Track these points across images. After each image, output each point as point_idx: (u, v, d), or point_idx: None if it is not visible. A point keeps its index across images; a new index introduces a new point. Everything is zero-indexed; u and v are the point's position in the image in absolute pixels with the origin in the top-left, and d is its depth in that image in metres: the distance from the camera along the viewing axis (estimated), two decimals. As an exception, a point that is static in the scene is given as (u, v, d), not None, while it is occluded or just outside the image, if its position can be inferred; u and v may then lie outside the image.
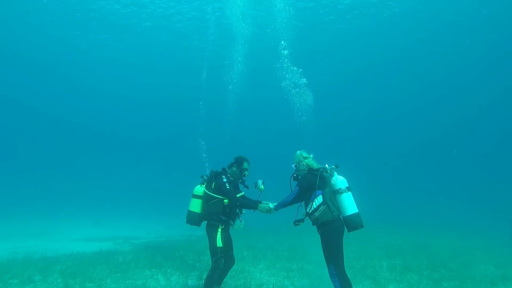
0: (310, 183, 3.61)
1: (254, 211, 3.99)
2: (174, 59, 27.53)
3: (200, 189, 4.21)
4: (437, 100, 31.83)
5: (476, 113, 32.35)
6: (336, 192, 3.63)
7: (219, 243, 3.85)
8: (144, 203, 25.20)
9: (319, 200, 3.54)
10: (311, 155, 3.93)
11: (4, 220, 15.36)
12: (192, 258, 7.00)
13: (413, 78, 28.99)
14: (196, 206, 4.19)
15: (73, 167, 39.86)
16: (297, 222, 3.69)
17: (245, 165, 4.24)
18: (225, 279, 5.01)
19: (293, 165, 3.95)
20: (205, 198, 4.11)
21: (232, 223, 4.15)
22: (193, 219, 4.18)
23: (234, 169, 4.24)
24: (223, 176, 4.05)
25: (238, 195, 4.00)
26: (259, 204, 3.88)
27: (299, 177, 3.83)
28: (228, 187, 3.93)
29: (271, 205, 3.88)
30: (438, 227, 14.16)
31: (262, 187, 4.05)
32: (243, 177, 4.25)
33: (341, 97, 32.77)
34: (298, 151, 3.95)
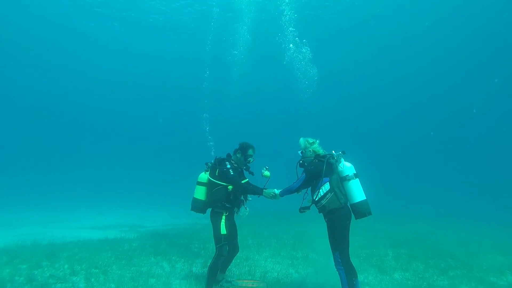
0: (317, 170, 3.54)
1: (258, 197, 3.95)
2: (176, 49, 27.27)
3: (204, 176, 4.18)
4: (445, 90, 31.32)
5: (485, 103, 31.80)
6: (344, 179, 3.55)
7: (223, 230, 3.82)
8: (149, 192, 25.46)
9: (326, 187, 3.47)
10: (317, 141, 3.84)
11: (13, 208, 15.69)
12: (197, 246, 7.04)
13: (416, 72, 28.53)
14: (200, 193, 4.17)
15: (79, 157, 40.33)
16: (302, 210, 3.63)
17: (250, 151, 4.17)
18: (229, 266, 5.02)
19: (299, 152, 3.87)
20: (209, 185, 4.07)
21: (237, 210, 4.12)
22: (198, 207, 4.16)
23: (238, 155, 4.18)
24: (227, 163, 4.00)
25: (242, 182, 3.96)
26: (264, 190, 3.83)
27: (306, 164, 3.75)
28: (232, 173, 3.88)
29: (277, 191, 3.81)
30: (443, 217, 14.06)
31: (267, 173, 3.99)
32: (247, 164, 4.19)
33: (347, 85, 32.30)
34: (303, 138, 3.86)
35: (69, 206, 18.05)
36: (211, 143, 4.92)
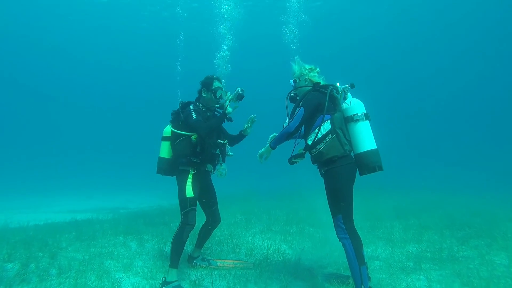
0: (317, 101, 2.58)
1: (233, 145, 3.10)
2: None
3: (169, 129, 3.24)
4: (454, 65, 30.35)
5: (491, 75, 31.05)
6: (350, 120, 2.61)
7: (189, 192, 2.91)
8: (141, 176, 24.56)
9: (326, 127, 2.53)
10: (318, 69, 2.87)
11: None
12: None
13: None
14: (165, 150, 3.26)
15: (71, 140, 39.38)
16: (294, 159, 2.70)
17: (216, 83, 3.21)
18: (209, 244, 4.17)
19: (291, 81, 2.90)
20: (173, 138, 3.13)
21: (211, 168, 3.19)
22: (163, 167, 3.25)
23: (204, 94, 3.21)
24: (191, 105, 3.05)
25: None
26: (228, 113, 3.04)
27: (298, 97, 2.80)
28: (194, 117, 2.92)
29: (263, 150, 2.81)
30: (445, 190, 13.38)
31: (229, 109, 3.08)
32: (219, 100, 3.22)
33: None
34: (297, 63, 2.88)
35: (58, 193, 17.22)
36: (178, 90, 3.91)
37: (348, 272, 3.08)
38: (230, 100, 3.04)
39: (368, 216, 6.47)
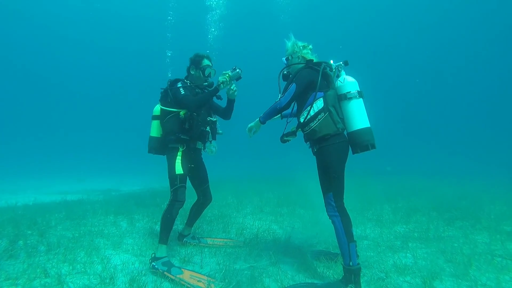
0: (310, 78, 2.53)
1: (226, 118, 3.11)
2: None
3: (158, 107, 3.19)
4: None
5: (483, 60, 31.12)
6: (343, 98, 2.57)
7: (179, 169, 2.87)
8: (133, 159, 24.42)
9: (318, 104, 2.49)
10: (311, 46, 2.80)
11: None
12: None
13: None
14: (154, 129, 3.22)
15: (63, 123, 38.79)
16: (286, 137, 2.67)
17: (205, 61, 3.15)
18: (200, 223, 4.18)
19: (284, 58, 2.84)
20: (162, 116, 3.07)
21: (201, 145, 3.17)
22: (154, 146, 3.21)
23: (193, 72, 3.15)
24: (179, 82, 2.99)
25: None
26: (219, 86, 2.93)
27: (291, 75, 2.74)
28: (183, 92, 2.87)
29: (252, 124, 2.76)
30: (434, 174, 13.66)
31: (221, 78, 2.94)
32: (207, 78, 3.17)
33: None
34: (291, 40, 2.81)
35: (45, 175, 17.04)
36: (168, 58, 3.83)
37: (337, 250, 3.13)
38: (228, 81, 2.93)
39: (359, 199, 6.56)
